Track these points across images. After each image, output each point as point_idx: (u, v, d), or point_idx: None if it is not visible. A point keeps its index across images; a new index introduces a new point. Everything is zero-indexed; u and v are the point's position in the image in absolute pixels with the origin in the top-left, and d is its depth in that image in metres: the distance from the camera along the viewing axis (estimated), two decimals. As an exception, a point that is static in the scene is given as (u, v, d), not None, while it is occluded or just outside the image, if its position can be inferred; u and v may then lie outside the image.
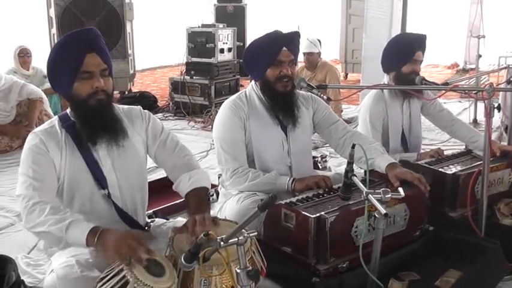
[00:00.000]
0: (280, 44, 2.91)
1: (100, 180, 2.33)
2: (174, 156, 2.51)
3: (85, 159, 2.31)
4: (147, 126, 2.50)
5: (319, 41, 6.70)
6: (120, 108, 2.49)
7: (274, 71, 2.92)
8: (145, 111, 2.56)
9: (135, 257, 1.90)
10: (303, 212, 2.44)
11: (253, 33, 9.54)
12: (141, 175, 2.51)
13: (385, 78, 3.73)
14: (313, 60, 6.69)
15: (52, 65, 2.30)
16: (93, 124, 2.27)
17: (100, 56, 2.26)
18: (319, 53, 6.66)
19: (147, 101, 8.09)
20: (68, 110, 2.37)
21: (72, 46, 2.24)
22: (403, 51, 3.56)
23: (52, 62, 2.30)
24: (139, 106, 2.57)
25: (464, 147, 3.68)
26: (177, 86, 7.69)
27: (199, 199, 2.39)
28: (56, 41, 7.61)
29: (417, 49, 3.56)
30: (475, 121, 6.69)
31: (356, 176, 2.36)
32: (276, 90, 2.95)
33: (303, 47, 6.51)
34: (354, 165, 2.43)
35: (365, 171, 2.54)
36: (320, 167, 4.16)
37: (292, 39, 2.97)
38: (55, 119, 2.38)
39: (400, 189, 2.31)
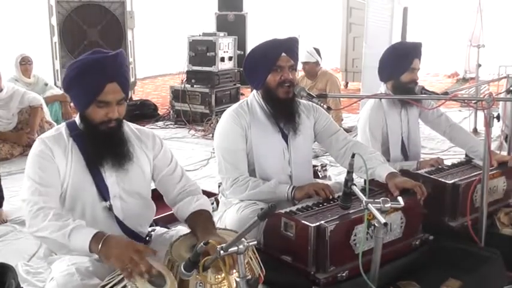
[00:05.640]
0: (279, 49, 2.92)
1: (103, 192, 2.34)
2: (180, 185, 2.52)
3: (90, 169, 2.32)
4: (159, 152, 2.51)
5: (317, 50, 6.72)
6: (131, 125, 2.49)
7: (275, 76, 2.93)
8: (159, 137, 2.57)
9: (137, 271, 1.90)
10: (303, 221, 2.44)
11: (253, 42, 9.52)
12: (145, 190, 2.51)
13: (382, 87, 3.73)
14: (310, 69, 6.72)
15: (70, 85, 2.29)
16: (100, 147, 2.29)
17: (120, 85, 2.25)
18: (316, 62, 6.67)
19: (147, 109, 8.11)
20: (76, 119, 2.37)
21: (94, 75, 2.20)
22: (401, 60, 3.58)
23: (71, 82, 2.28)
24: (152, 131, 2.59)
25: (464, 156, 3.69)
26: (177, 95, 7.70)
27: (209, 220, 2.40)
28: (57, 49, 7.65)
29: (414, 57, 3.58)
30: (475, 130, 6.70)
31: (356, 185, 2.36)
32: (277, 96, 2.95)
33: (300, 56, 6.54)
34: (355, 174, 2.44)
35: (365, 181, 2.55)
36: (320, 176, 4.17)
37: (290, 45, 2.98)
38: (62, 126, 2.38)
39: (400, 199, 2.32)
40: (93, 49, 2.33)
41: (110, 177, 2.35)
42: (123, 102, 2.30)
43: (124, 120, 2.40)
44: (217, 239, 2.07)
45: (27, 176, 2.24)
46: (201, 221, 2.34)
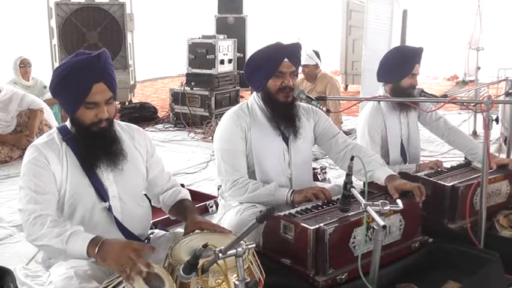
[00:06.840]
0: (282, 55, 2.92)
1: (101, 193, 2.33)
2: (167, 183, 2.62)
3: (86, 172, 2.31)
4: (147, 145, 2.55)
5: (317, 53, 6.72)
6: (121, 124, 2.50)
7: (276, 82, 2.92)
8: (144, 130, 2.63)
9: (135, 269, 1.90)
10: (302, 224, 2.44)
11: (253, 45, 9.57)
12: (142, 188, 2.53)
13: (381, 90, 3.73)
14: (309, 72, 6.72)
15: (57, 90, 2.29)
16: (93, 147, 2.28)
17: (107, 84, 2.24)
18: (315, 65, 6.67)
19: (147, 112, 8.11)
20: (67, 123, 2.36)
21: (80, 77, 2.19)
22: (403, 65, 3.58)
23: (57, 87, 2.27)
24: (142, 129, 2.64)
25: (463, 158, 3.69)
26: (177, 97, 7.71)
27: (194, 206, 2.55)
28: (57, 52, 7.65)
29: (415, 62, 3.58)
30: (474, 133, 6.70)
31: (355, 188, 2.36)
32: (277, 100, 2.95)
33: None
34: (354, 177, 2.44)
35: (364, 183, 2.55)
36: (320, 179, 4.17)
37: (293, 51, 2.97)
38: (54, 131, 2.37)
39: (399, 201, 2.32)
40: (76, 52, 2.32)
41: (107, 177, 2.35)
42: (112, 101, 2.29)
43: (114, 120, 2.40)
44: (198, 218, 2.35)
45: (22, 184, 2.23)
46: (188, 206, 2.51)
